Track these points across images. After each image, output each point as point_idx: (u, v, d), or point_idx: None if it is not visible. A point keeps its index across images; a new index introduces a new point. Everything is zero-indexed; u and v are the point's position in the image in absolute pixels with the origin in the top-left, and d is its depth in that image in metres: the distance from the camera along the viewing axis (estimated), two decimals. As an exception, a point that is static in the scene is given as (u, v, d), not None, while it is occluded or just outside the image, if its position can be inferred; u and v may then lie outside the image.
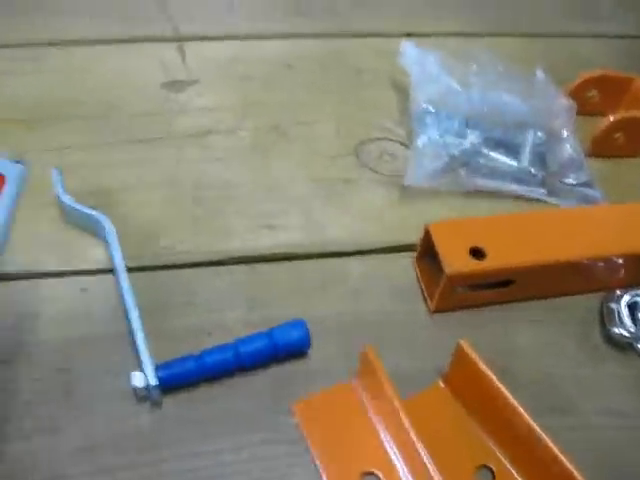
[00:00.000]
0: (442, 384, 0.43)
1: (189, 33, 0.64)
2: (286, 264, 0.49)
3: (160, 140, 0.55)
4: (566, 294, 0.49)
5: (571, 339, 0.47)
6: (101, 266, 0.47)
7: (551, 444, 0.37)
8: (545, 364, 0.46)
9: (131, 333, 0.43)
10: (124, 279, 0.44)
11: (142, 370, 0.41)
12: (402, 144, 0.57)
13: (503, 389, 0.39)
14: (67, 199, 0.48)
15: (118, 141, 0.55)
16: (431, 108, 0.55)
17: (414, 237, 0.49)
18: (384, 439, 0.40)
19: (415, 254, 0.49)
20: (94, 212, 0.47)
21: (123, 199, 0.51)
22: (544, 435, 0.38)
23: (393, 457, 0.40)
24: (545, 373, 0.45)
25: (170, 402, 0.42)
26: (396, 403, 0.39)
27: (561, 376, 0.45)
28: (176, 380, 0.41)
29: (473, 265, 0.44)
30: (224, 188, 0.52)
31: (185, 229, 0.50)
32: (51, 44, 0.60)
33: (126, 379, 0.41)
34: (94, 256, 0.47)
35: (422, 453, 0.37)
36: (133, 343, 0.42)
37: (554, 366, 0.46)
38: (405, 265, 0.50)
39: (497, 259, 0.45)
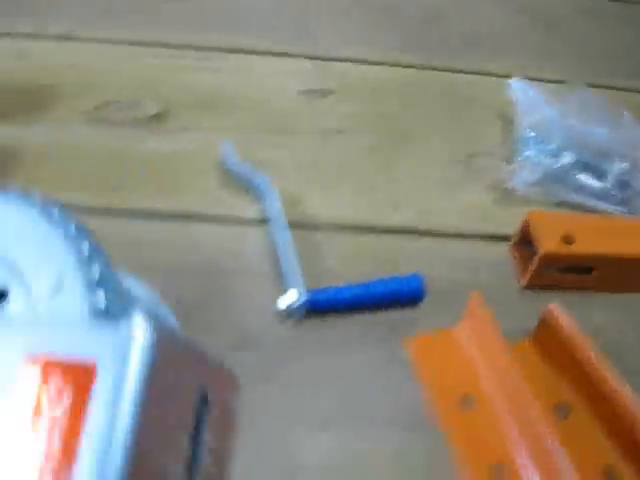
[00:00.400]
0: (528, 343, 0.52)
1: (328, 54, 0.76)
2: (404, 237, 0.59)
3: (303, 132, 0.67)
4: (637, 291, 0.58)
5: (633, 325, 0.56)
6: (258, 217, 0.58)
7: (622, 388, 0.46)
8: (612, 342, 0.54)
9: (281, 269, 0.53)
10: (281, 222, 0.55)
11: (290, 291, 0.51)
12: (503, 160, 0.67)
13: (584, 342, 0.48)
14: (234, 163, 0.59)
15: (268, 129, 0.66)
16: (533, 133, 0.66)
17: (510, 230, 0.59)
18: (480, 372, 0.50)
19: (510, 243, 0.59)
20: (256, 173, 0.58)
21: (273, 171, 0.61)
22: (617, 379, 0.46)
23: (488, 385, 0.49)
24: (612, 347, 0.54)
25: (309, 323, 0.52)
26: (497, 337, 0.48)
27: (624, 351, 0.54)
28: (317, 303, 0.51)
29: (563, 248, 0.54)
30: (359, 174, 0.63)
31: (325, 200, 0.60)
32: (227, 51, 0.73)
33: (273, 302, 0.52)
34: (251, 208, 0.59)
35: (516, 380, 0.46)
36: (282, 277, 0.53)
37: (619, 344, 0.54)
38: (500, 251, 0.59)
39: (583, 246, 0.54)
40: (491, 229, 0.61)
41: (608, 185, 0.64)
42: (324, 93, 0.71)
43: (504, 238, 0.60)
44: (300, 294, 0.51)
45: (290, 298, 0.51)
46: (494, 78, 0.76)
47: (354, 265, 0.56)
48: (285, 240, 0.54)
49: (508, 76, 0.73)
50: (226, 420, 0.30)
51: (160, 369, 0.26)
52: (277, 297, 0.52)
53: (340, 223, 0.59)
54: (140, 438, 0.24)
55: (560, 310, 0.50)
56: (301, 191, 0.61)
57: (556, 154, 0.64)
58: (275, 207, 0.56)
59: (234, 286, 0.53)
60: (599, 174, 0.65)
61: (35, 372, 0.25)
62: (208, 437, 0.28)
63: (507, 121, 0.70)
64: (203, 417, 0.28)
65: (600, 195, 0.64)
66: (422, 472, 0.46)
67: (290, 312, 0.51)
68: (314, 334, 0.51)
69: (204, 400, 0.28)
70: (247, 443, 0.45)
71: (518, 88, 0.68)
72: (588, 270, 0.56)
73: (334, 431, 0.47)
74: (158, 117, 0.66)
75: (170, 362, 0.27)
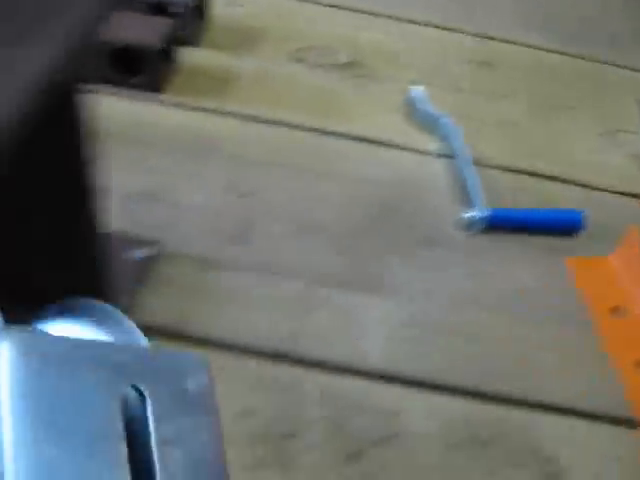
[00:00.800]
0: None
1: (491, 34, 0.87)
2: (557, 184, 0.69)
3: (470, 92, 0.77)
4: None
5: None
6: (438, 150, 0.69)
7: None
8: None
9: (462, 191, 0.64)
10: (465, 153, 0.65)
11: (473, 207, 0.61)
12: (642, 138, 0.77)
13: None
14: (423, 104, 0.70)
15: (440, 85, 0.77)
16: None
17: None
18: (632, 290, 0.59)
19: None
20: (442, 114, 0.69)
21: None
22: None
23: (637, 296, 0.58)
24: None
25: (484, 236, 0.62)
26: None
27: None
28: (495, 219, 0.61)
29: None
30: (518, 129, 0.74)
31: (489, 145, 0.71)
32: (405, 21, 0.85)
33: (455, 215, 0.62)
34: (432, 143, 0.69)
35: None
36: (463, 197, 0.63)
37: None
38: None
39: None
40: (629, 189, 0.70)
41: None
42: (488, 65, 0.82)
43: (640, 197, 0.70)
44: (482, 209, 0.61)
45: (473, 211, 0.61)
46: (635, 73, 0.86)
47: (512, 199, 0.66)
48: (469, 167, 0.64)
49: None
50: (190, 405, 0.27)
51: (37, 381, 0.25)
52: (458, 212, 0.62)
53: (501, 164, 0.69)
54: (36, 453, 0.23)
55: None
56: (469, 136, 0.71)
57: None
58: (460, 141, 0.67)
59: (421, 198, 0.64)
60: None
61: None
62: (160, 429, 0.26)
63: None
64: (144, 415, 0.26)
65: None
66: (573, 359, 0.55)
67: (471, 223, 0.61)
68: (487, 244, 0.61)
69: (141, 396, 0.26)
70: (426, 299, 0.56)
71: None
72: None
73: (496, 314, 0.57)
74: (350, 65, 0.77)
75: (57, 371, 0.26)
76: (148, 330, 0.50)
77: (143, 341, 0.36)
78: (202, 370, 0.28)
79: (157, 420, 0.25)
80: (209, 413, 0.27)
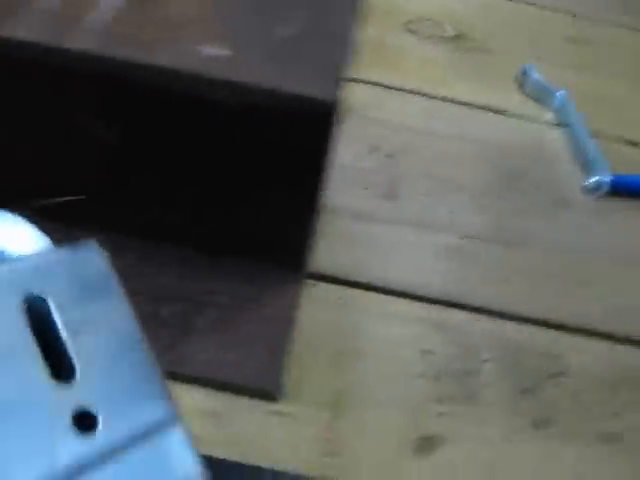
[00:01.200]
0: None
1: (590, 14, 0.91)
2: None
3: (568, 67, 0.82)
4: None
5: None
6: (552, 120, 0.73)
7: None
8: None
9: (581, 157, 0.69)
10: (580, 122, 0.70)
11: (596, 174, 0.66)
12: None
13: None
14: (536, 76, 0.75)
15: (541, 59, 0.81)
16: None
17: None
18: None
19: None
20: (556, 90, 0.74)
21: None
22: None
23: None
24: None
25: (606, 200, 0.66)
26: None
27: None
28: (618, 184, 0.66)
29: None
30: (618, 101, 0.79)
31: (606, 114, 0.75)
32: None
33: (577, 180, 0.67)
34: (546, 114, 0.74)
35: None
36: (582, 163, 0.68)
37: None
38: None
39: None
40: None
41: None
42: (588, 43, 0.86)
43: None
44: (606, 175, 0.66)
45: (598, 176, 0.66)
46: None
47: (627, 171, 0.71)
48: (587, 136, 0.69)
49: None
50: (91, 292, 0.28)
51: None
52: (582, 178, 0.67)
53: (614, 137, 0.74)
54: None
55: None
56: (579, 109, 0.76)
57: None
58: (574, 112, 0.71)
59: (546, 164, 0.69)
60: None
61: None
62: (68, 321, 0.26)
63: None
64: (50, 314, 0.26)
65: None
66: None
67: (597, 187, 0.66)
68: (612, 207, 0.66)
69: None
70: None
71: None
72: None
73: (634, 270, 0.62)
74: (457, 38, 0.81)
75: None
76: (319, 277, 0.55)
77: (48, 245, 0.36)
78: (97, 256, 0.28)
79: (63, 314, 0.26)
80: (111, 295, 0.28)
